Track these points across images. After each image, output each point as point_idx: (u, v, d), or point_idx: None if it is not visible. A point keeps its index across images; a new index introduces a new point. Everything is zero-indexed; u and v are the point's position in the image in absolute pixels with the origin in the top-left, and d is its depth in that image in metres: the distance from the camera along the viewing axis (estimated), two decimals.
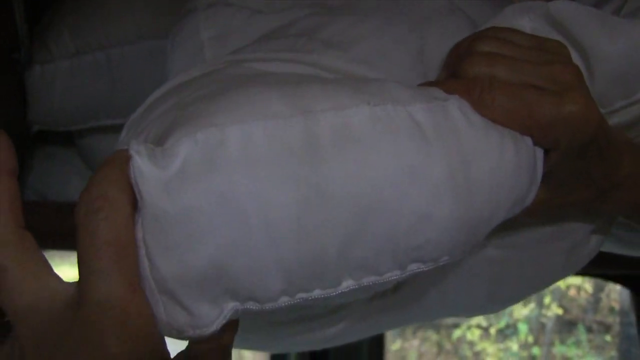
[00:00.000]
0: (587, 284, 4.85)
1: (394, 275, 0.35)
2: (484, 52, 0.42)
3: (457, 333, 5.66)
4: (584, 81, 0.42)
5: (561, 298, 5.47)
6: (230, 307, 0.34)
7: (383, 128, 0.34)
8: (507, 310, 5.28)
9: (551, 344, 5.13)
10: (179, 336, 0.36)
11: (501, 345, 5.34)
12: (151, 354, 0.33)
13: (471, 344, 5.52)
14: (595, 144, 0.43)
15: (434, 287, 0.51)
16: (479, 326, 5.48)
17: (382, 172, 0.34)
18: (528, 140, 0.40)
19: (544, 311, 5.34)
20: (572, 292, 5.67)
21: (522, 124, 0.39)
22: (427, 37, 0.47)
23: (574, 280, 5.15)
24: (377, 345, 1.30)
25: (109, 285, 0.32)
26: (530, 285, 0.55)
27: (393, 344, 6.07)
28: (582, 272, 1.27)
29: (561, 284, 5.28)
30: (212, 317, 0.34)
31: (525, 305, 5.37)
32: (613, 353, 4.41)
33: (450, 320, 5.92)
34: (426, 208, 0.35)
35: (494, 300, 0.55)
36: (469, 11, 0.52)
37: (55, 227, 0.73)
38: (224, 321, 0.34)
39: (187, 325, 0.34)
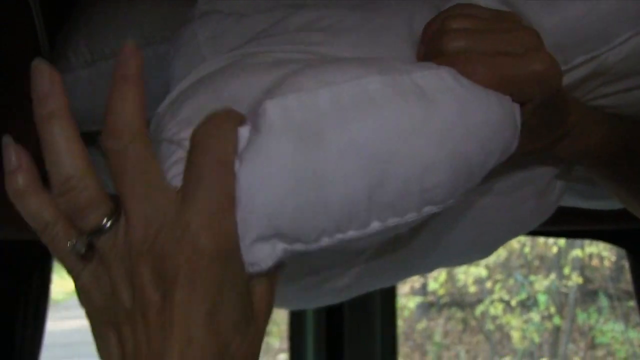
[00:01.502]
0: (608, 252, 4.85)
1: (411, 217, 0.41)
2: (457, 29, 0.47)
3: (480, 308, 5.68)
4: (543, 41, 0.49)
5: (582, 268, 5.48)
6: (280, 248, 0.39)
7: (393, 91, 0.40)
8: (528, 282, 5.28)
9: (573, 313, 5.15)
10: None
11: (524, 317, 5.37)
12: (234, 258, 0.38)
13: (494, 318, 5.55)
14: (558, 95, 0.50)
15: (429, 238, 0.56)
16: (501, 300, 5.50)
17: (394, 126, 0.39)
18: (508, 98, 0.46)
19: (564, 281, 5.35)
20: (595, 262, 5.68)
21: (501, 86, 0.45)
22: (413, 21, 0.53)
23: (595, 248, 5.15)
24: (389, 298, 1.37)
25: (211, 194, 0.37)
26: (509, 229, 0.61)
27: (419, 323, 6.10)
28: (572, 232, 1.31)
29: (581, 253, 5.29)
30: (266, 254, 0.39)
31: (545, 276, 5.38)
32: (638, 319, 4.41)
33: (473, 297, 5.92)
34: (433, 155, 0.40)
35: (478, 245, 0.60)
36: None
37: None
38: (276, 260, 0.39)
39: (247, 264, 0.39)
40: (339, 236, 0.39)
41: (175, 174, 0.40)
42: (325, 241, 0.39)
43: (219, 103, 0.41)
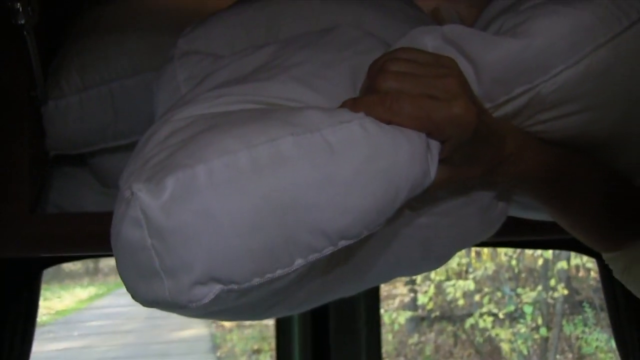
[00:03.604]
0: (593, 264, 4.90)
1: (329, 250, 0.47)
2: (393, 71, 0.51)
3: (470, 321, 5.71)
4: (467, 89, 0.54)
5: (568, 279, 5.53)
6: (217, 288, 0.44)
7: (303, 150, 0.45)
8: (515, 294, 5.31)
9: (560, 324, 5.19)
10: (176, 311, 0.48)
11: (513, 330, 5.40)
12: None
13: (484, 330, 5.58)
14: (477, 135, 0.55)
15: (378, 254, 0.61)
16: (490, 313, 5.54)
17: (305, 180, 0.45)
18: (422, 137, 0.51)
19: (551, 293, 5.40)
20: (581, 273, 5.74)
21: (422, 125, 0.50)
22: (355, 58, 0.59)
23: (580, 260, 5.21)
24: (372, 298, 1.40)
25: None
26: (456, 243, 0.66)
27: (410, 338, 6.11)
28: (540, 242, 1.36)
29: (566, 265, 5.35)
30: (201, 295, 0.44)
31: (532, 289, 5.43)
32: None
33: (463, 310, 5.95)
34: (344, 202, 0.46)
35: (429, 258, 0.65)
36: (379, 32, 0.66)
37: (72, 232, 0.83)
38: (212, 297, 0.44)
39: (187, 301, 0.44)
40: (269, 275, 0.45)
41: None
42: (256, 281, 0.44)
43: (166, 164, 0.46)
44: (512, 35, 0.58)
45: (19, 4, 0.71)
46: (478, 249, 5.64)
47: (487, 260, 5.53)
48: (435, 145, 0.51)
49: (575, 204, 0.67)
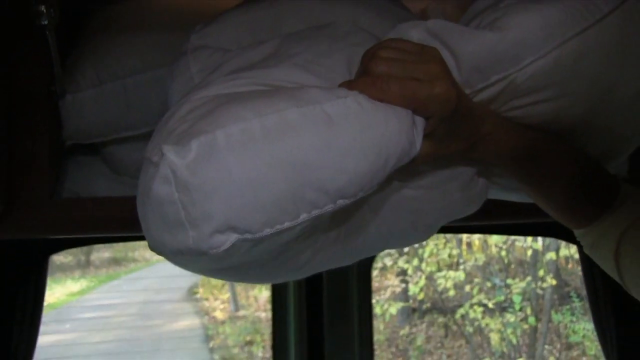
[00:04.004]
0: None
1: (329, 207, 0.53)
2: (383, 57, 0.59)
3: (460, 312, 5.76)
4: (448, 74, 0.62)
5: (557, 270, 5.60)
6: (234, 237, 0.50)
7: (306, 119, 0.52)
8: (504, 285, 5.37)
9: (548, 314, 5.25)
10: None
11: (503, 320, 5.46)
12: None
13: (474, 320, 5.63)
14: (457, 113, 0.62)
15: (371, 221, 0.68)
16: (480, 304, 5.59)
17: (308, 145, 0.52)
18: (409, 113, 0.59)
19: (539, 283, 5.46)
20: (570, 264, 5.81)
21: (408, 103, 0.57)
22: (349, 49, 0.66)
23: (568, 252, 5.28)
24: (364, 289, 1.48)
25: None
26: (441, 215, 0.73)
27: (401, 329, 6.15)
28: (520, 227, 1.42)
29: (555, 256, 5.42)
30: (220, 242, 0.50)
31: (522, 279, 5.49)
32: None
33: (454, 301, 6.00)
34: (341, 164, 0.52)
35: (417, 228, 0.72)
36: (370, 29, 0.73)
37: (87, 216, 0.90)
38: (229, 245, 0.51)
39: (208, 248, 0.51)
40: (278, 226, 0.51)
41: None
42: (267, 231, 0.51)
43: (190, 130, 0.53)
44: (489, 29, 0.65)
45: (43, 6, 0.77)
46: (469, 240, 5.68)
47: (477, 252, 5.58)
48: (420, 121, 0.59)
49: (548, 182, 0.74)
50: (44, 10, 0.78)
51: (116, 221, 0.90)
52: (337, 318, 1.49)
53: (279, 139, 0.51)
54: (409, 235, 0.71)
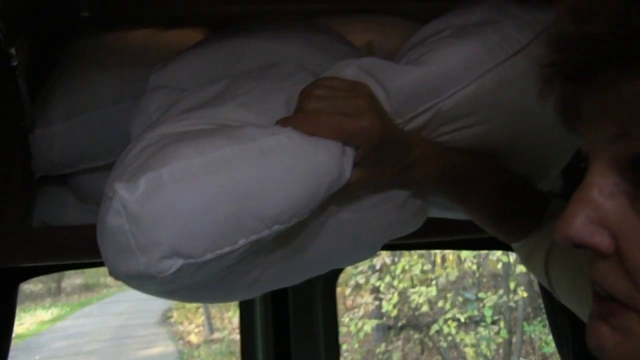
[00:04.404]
0: None
1: (265, 232, 0.58)
2: (315, 95, 0.65)
3: (435, 327, 5.79)
4: (375, 107, 0.68)
5: (528, 282, 5.67)
6: (179, 262, 0.55)
7: (243, 155, 0.58)
8: (476, 298, 5.42)
9: (521, 326, 5.30)
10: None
11: (477, 334, 5.50)
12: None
13: (448, 336, 5.66)
14: (384, 142, 0.66)
15: (312, 242, 0.72)
16: (454, 319, 5.63)
17: (245, 178, 0.57)
18: (339, 145, 0.63)
19: (511, 296, 5.53)
20: None
21: (337, 135, 0.63)
22: (289, 88, 0.72)
23: None
24: (329, 306, 1.51)
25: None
26: (380, 235, 0.78)
27: (377, 347, 6.14)
28: (470, 244, 1.47)
29: (524, 269, 5.48)
30: (167, 267, 0.55)
31: (494, 292, 5.55)
32: None
33: (428, 317, 6.02)
34: (274, 193, 0.58)
35: (358, 247, 0.76)
36: (314, 68, 0.80)
37: (57, 244, 0.94)
38: (174, 270, 0.56)
39: (145, 267, 0.55)
40: (218, 251, 0.57)
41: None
42: (209, 256, 0.57)
43: (141, 167, 0.58)
44: (416, 64, 0.71)
45: (13, 48, 0.82)
46: (443, 254, 5.70)
47: (451, 267, 5.61)
48: (350, 150, 0.65)
49: (478, 201, 0.80)
50: (14, 53, 0.83)
51: (85, 248, 0.94)
52: (303, 335, 1.52)
53: (218, 174, 0.57)
54: (351, 254, 0.77)
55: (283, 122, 0.64)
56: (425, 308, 5.53)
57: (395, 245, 0.81)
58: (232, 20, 1.03)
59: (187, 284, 0.60)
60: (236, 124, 0.65)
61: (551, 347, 5.01)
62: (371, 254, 0.80)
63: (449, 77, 0.71)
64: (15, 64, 0.85)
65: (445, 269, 5.56)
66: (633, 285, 0.43)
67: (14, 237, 0.93)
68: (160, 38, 1.04)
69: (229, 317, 6.06)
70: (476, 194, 0.80)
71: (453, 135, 0.75)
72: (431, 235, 0.86)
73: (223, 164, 0.57)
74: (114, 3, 0.91)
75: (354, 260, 0.80)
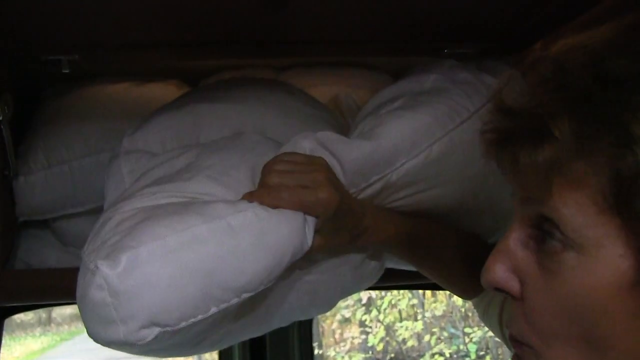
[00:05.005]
0: None
1: (235, 300, 0.63)
2: (276, 170, 0.69)
3: None
4: (332, 179, 0.70)
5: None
6: (156, 330, 0.59)
7: (213, 232, 0.62)
8: (462, 333, 5.39)
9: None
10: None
11: None
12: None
13: None
14: (340, 212, 0.70)
15: (275, 301, 0.75)
16: (440, 354, 5.60)
17: (214, 254, 0.62)
18: (300, 215, 0.67)
19: None
20: None
21: (298, 207, 0.67)
22: (253, 160, 0.77)
23: None
24: (306, 329, 1.53)
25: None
26: (336, 293, 0.82)
27: None
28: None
29: None
30: (146, 335, 0.60)
31: (480, 327, 5.52)
32: None
33: (415, 351, 5.97)
34: (242, 266, 0.63)
35: (316, 304, 0.81)
36: (276, 135, 0.85)
37: (38, 285, 0.96)
38: (152, 338, 0.60)
39: (135, 341, 0.60)
40: (192, 320, 0.62)
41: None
42: (183, 324, 0.61)
43: (117, 246, 0.62)
44: (367, 138, 0.76)
45: None
46: (433, 291, 5.69)
47: (440, 300, 5.58)
48: (311, 219, 0.70)
49: (434, 261, 0.84)
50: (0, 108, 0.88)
51: (66, 290, 0.95)
52: None
53: (190, 251, 0.62)
54: (310, 310, 0.81)
55: (249, 197, 0.69)
56: (411, 342, 5.49)
57: (377, 287, 0.85)
58: (201, 73, 1.09)
59: (164, 346, 0.64)
60: (205, 197, 0.70)
61: None
62: (328, 309, 0.84)
63: (399, 150, 0.75)
64: (1, 118, 0.89)
65: (434, 302, 5.54)
66: (530, 327, 0.50)
67: None
68: (135, 91, 1.09)
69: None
70: (428, 255, 0.83)
71: (405, 201, 0.79)
72: (417, 278, 0.90)
73: (195, 242, 0.62)
74: (93, 61, 0.96)
75: (311, 315, 0.84)
